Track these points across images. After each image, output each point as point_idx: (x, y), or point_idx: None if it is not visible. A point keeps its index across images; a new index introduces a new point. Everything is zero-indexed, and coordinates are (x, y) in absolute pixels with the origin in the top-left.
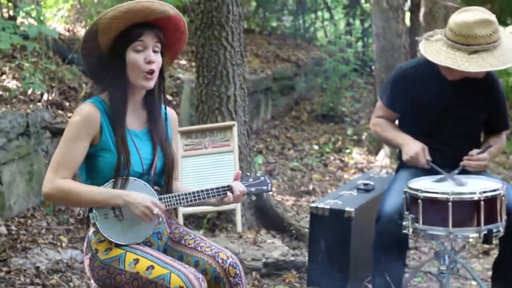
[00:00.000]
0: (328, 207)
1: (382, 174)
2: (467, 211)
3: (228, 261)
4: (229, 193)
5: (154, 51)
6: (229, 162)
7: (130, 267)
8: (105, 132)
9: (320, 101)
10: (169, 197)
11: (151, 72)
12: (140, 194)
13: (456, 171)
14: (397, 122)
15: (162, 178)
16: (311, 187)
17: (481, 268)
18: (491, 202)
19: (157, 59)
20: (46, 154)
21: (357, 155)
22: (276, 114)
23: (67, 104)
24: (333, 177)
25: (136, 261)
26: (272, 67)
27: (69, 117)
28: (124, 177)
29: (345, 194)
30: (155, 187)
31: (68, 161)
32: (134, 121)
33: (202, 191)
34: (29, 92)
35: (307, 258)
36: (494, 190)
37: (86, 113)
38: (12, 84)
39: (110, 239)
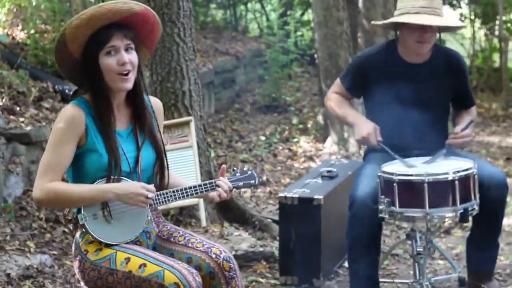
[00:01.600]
0: (296, 195)
1: (343, 161)
2: (442, 191)
3: (222, 256)
4: (218, 189)
5: (127, 50)
6: (189, 158)
7: (122, 267)
8: (90, 133)
9: (261, 92)
10: (157, 195)
11: (127, 73)
12: (128, 183)
13: (444, 151)
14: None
15: (150, 175)
16: (264, 177)
17: (445, 247)
18: (465, 181)
19: (131, 57)
20: (2, 160)
21: (304, 143)
22: (220, 107)
23: (18, 108)
24: (284, 167)
25: (128, 260)
26: (212, 60)
27: (22, 122)
28: (115, 177)
29: (311, 182)
30: None
31: (55, 165)
32: (118, 121)
33: (190, 187)
34: None
35: (275, 248)
36: (467, 169)
37: (71, 115)
38: None
39: (100, 239)
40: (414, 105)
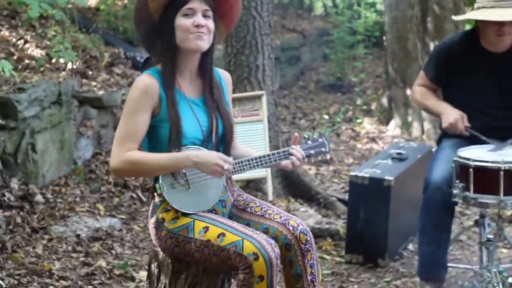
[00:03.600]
0: (367, 175)
1: (412, 143)
2: None
3: (299, 228)
4: (291, 157)
5: (204, 16)
6: (259, 132)
7: (200, 235)
8: (163, 103)
9: (326, 71)
10: (233, 164)
11: (202, 34)
12: (208, 153)
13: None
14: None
15: (222, 145)
16: (328, 156)
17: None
18: None
19: (208, 23)
20: (74, 122)
21: (367, 125)
22: (284, 84)
23: (90, 73)
24: (347, 147)
25: (206, 229)
26: (279, 37)
27: (94, 86)
28: (178, 145)
29: (381, 163)
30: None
31: (131, 134)
32: (191, 89)
33: (264, 156)
34: (53, 61)
35: (340, 226)
36: None
37: (144, 85)
38: (36, 53)
39: (177, 208)
40: (494, 93)
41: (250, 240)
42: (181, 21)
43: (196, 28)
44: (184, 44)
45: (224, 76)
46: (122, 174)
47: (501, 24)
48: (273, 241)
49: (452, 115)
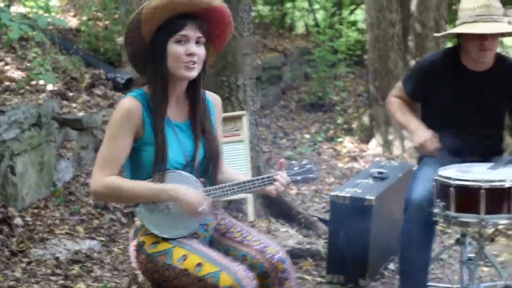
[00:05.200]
0: (348, 195)
1: (393, 162)
2: (498, 198)
3: (277, 256)
4: (275, 183)
5: (197, 43)
6: (240, 152)
7: (179, 263)
8: (147, 126)
9: (307, 90)
10: (215, 189)
11: (193, 63)
12: (186, 191)
13: (509, 158)
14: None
15: (207, 169)
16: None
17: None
18: None
19: (200, 51)
20: (54, 144)
21: (349, 143)
22: (265, 103)
23: (71, 94)
24: (328, 166)
25: (185, 257)
26: (261, 56)
27: (75, 108)
28: (162, 170)
29: (362, 183)
30: (200, 178)
31: (113, 158)
32: (177, 112)
33: (248, 181)
34: (33, 83)
35: (321, 246)
36: None
37: (127, 108)
38: (16, 74)
39: (156, 233)
40: (472, 113)
41: (228, 272)
42: (173, 48)
43: (188, 57)
44: (174, 71)
45: (212, 99)
46: (102, 199)
47: (483, 38)
48: (251, 273)
49: (422, 135)
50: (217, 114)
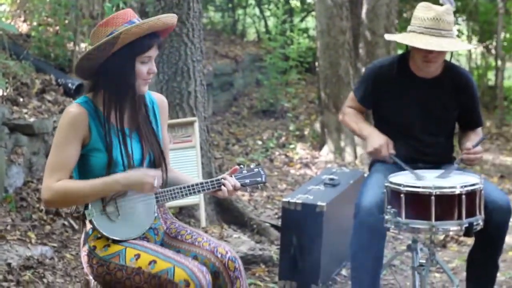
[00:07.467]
0: (300, 201)
1: (344, 169)
2: (449, 204)
3: (227, 256)
4: (223, 187)
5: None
6: (191, 158)
7: (132, 263)
8: (93, 132)
9: (259, 97)
10: (164, 192)
11: (149, 79)
12: (135, 172)
13: (456, 165)
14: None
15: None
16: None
17: (441, 260)
18: (471, 196)
19: (155, 68)
20: (5, 150)
21: (301, 150)
22: (217, 110)
23: (21, 100)
24: (280, 172)
25: (138, 256)
26: (212, 63)
27: (25, 113)
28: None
29: (314, 189)
30: None
31: (62, 164)
32: (127, 120)
33: (196, 184)
34: None
35: (273, 252)
36: (473, 184)
37: (73, 116)
38: None
39: (107, 235)
40: (421, 119)
41: (182, 267)
42: (138, 67)
43: (148, 75)
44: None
45: (157, 98)
46: (54, 206)
47: (428, 51)
48: (204, 268)
49: (377, 140)
50: (162, 113)
